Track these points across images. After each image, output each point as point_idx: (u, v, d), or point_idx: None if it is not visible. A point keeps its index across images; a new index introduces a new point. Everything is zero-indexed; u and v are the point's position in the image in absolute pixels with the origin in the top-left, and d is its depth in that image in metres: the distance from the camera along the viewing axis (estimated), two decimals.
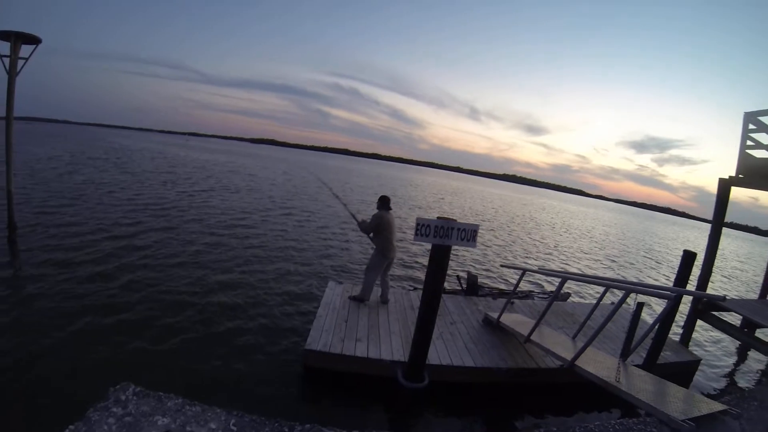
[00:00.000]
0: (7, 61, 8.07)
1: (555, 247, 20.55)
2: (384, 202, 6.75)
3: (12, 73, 8.09)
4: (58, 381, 4.46)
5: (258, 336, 6.13)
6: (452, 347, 5.70)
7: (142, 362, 5.04)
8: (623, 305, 4.19)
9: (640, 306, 4.80)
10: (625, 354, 4.59)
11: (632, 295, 4.16)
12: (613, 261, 19.54)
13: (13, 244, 8.49)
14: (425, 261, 11.87)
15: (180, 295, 7.10)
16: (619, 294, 4.17)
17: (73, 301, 6.36)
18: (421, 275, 10.28)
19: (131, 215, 12.62)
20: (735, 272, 23.86)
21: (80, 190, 15.79)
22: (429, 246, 4.62)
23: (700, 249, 6.92)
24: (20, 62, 8.28)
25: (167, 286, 7.42)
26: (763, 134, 7.00)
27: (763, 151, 7.13)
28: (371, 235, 6.79)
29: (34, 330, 5.42)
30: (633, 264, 19.69)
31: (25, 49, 8.36)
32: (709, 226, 7.49)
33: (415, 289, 8.60)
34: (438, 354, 5.39)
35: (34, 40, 8.35)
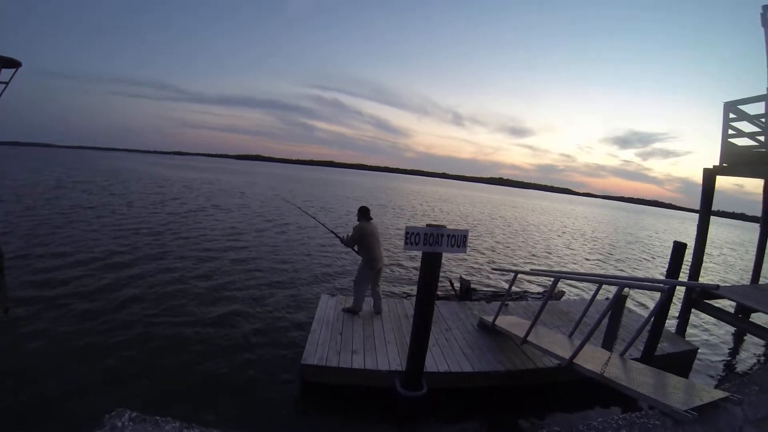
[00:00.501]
0: None
1: (547, 247, 20.62)
2: (364, 213, 6.71)
3: None
4: (52, 409, 4.35)
5: (254, 354, 6.02)
6: (449, 353, 5.65)
7: (138, 387, 4.92)
8: (617, 300, 4.17)
9: (623, 299, 4.78)
10: (621, 348, 4.56)
11: (626, 289, 4.14)
12: (608, 255, 19.73)
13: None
14: (413, 266, 11.94)
15: (173, 317, 6.96)
16: (613, 290, 4.16)
17: (64, 327, 6.21)
18: (413, 283, 10.25)
19: (121, 238, 12.45)
20: (727, 259, 24.10)
21: (68, 215, 15.51)
22: (419, 253, 4.59)
23: (689, 239, 6.95)
24: (0, 86, 8.15)
25: (159, 308, 7.27)
26: (744, 122, 7.11)
27: (745, 138, 7.24)
28: (356, 248, 6.74)
29: (26, 358, 5.29)
30: (628, 258, 19.90)
31: (5, 73, 8.22)
32: (695, 215, 7.54)
33: (408, 297, 8.56)
34: (435, 361, 5.33)
35: (13, 64, 8.22)
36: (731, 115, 7.12)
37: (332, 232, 7.59)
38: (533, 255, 17.60)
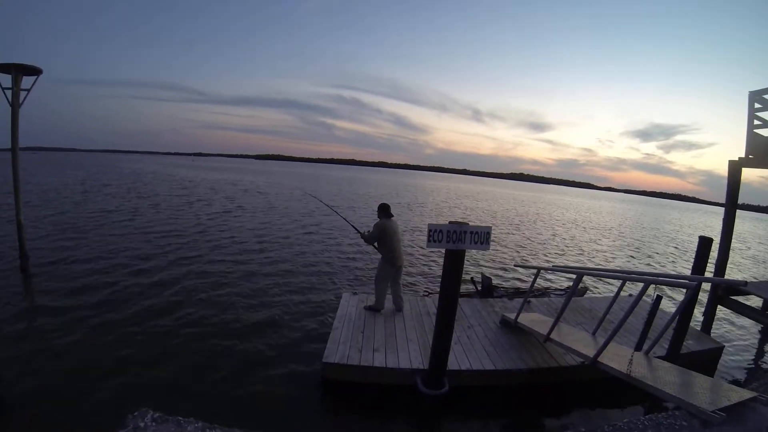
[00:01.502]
0: (9, 93, 8.16)
1: (572, 241, 20.48)
2: (384, 210, 6.72)
3: (15, 105, 8.19)
4: (75, 410, 4.45)
5: (276, 353, 6.10)
6: (470, 351, 5.63)
7: (161, 387, 5.02)
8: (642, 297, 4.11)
9: (659, 298, 4.71)
10: (646, 346, 4.50)
11: (651, 286, 4.08)
12: (636, 250, 19.56)
13: (27, 274, 8.58)
14: (433, 264, 11.93)
15: (195, 318, 7.09)
16: (636, 286, 4.10)
17: (88, 329, 6.36)
18: (434, 279, 10.23)
19: (150, 242, 12.67)
20: (754, 254, 23.59)
21: (97, 219, 15.78)
22: (441, 251, 4.57)
23: (714, 233, 6.81)
24: (22, 93, 8.37)
25: (182, 309, 7.40)
26: None
27: None
28: (376, 244, 6.76)
29: (50, 359, 5.43)
30: (657, 254, 19.64)
31: (26, 81, 8.45)
32: (719, 209, 7.38)
33: (429, 294, 8.56)
34: (457, 359, 5.32)
35: (34, 71, 8.44)
36: (757, 105, 6.90)
37: (354, 227, 7.62)
38: (559, 251, 17.49)
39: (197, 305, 7.62)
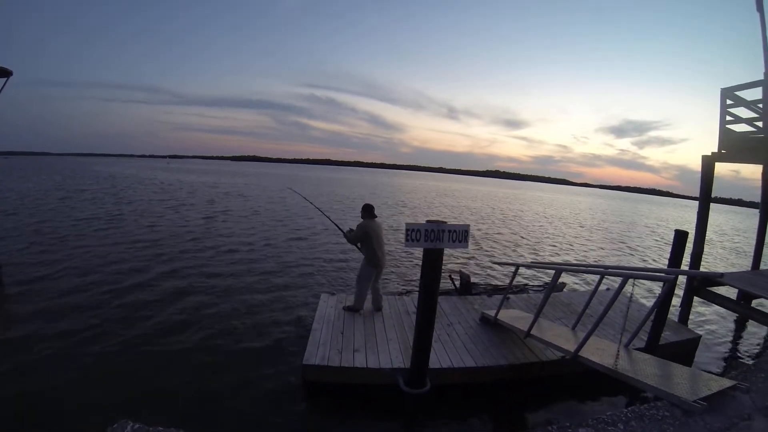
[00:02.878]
0: None
1: (554, 238, 20.68)
2: (368, 211, 6.66)
3: None
4: (54, 423, 4.29)
5: (255, 356, 5.98)
6: (451, 349, 5.61)
7: (140, 397, 4.83)
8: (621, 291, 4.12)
9: (631, 291, 4.75)
10: (625, 339, 4.52)
11: (630, 280, 4.10)
12: (621, 245, 19.86)
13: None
14: (411, 262, 11.91)
15: (172, 324, 6.89)
16: (614, 280, 4.12)
17: (62, 341, 6.10)
18: (412, 278, 10.21)
19: (116, 243, 12.44)
20: (725, 245, 24.12)
21: (77, 226, 15.25)
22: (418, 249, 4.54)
23: (686, 226, 6.93)
24: None
25: (159, 316, 7.20)
26: (742, 108, 7.10)
27: (743, 124, 7.22)
28: (359, 245, 6.70)
29: (27, 371, 5.23)
30: (640, 247, 20.00)
31: None
32: (693, 203, 7.55)
33: (408, 293, 8.53)
34: (438, 357, 5.28)
35: (4, 73, 8.16)
36: (728, 102, 7.11)
37: (337, 226, 7.52)
38: (541, 247, 17.66)
39: (173, 311, 7.42)
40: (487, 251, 15.48)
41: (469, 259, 13.61)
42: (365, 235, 6.51)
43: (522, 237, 20.09)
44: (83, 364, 5.47)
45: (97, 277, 9.04)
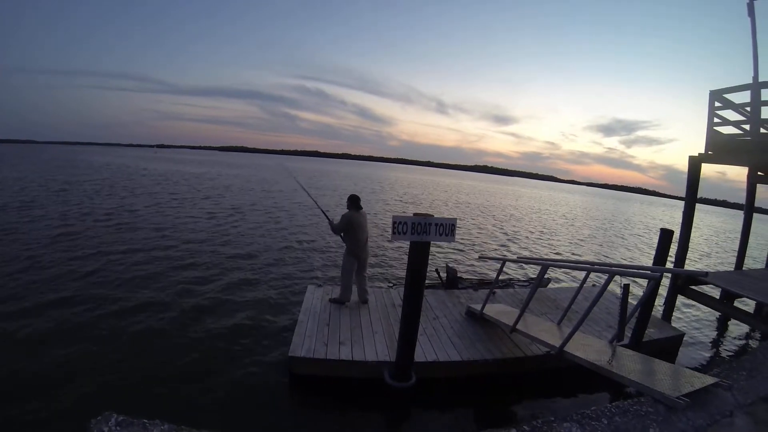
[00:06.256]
0: None
1: (541, 233, 20.80)
2: (354, 202, 6.64)
3: None
4: (36, 416, 4.19)
5: (241, 348, 5.93)
6: (437, 343, 5.61)
7: (124, 389, 4.76)
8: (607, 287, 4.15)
9: (626, 287, 4.78)
10: (610, 335, 4.56)
11: (616, 277, 4.13)
12: (611, 243, 20.02)
13: None
14: (398, 255, 11.90)
15: (156, 315, 6.80)
16: (599, 277, 4.13)
17: (47, 331, 6.01)
18: (399, 272, 10.21)
19: (120, 237, 12.26)
20: (711, 245, 24.43)
21: (66, 218, 14.73)
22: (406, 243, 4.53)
23: (669, 225, 7.00)
24: None
25: (140, 306, 7.11)
26: (729, 111, 7.19)
27: (730, 127, 7.30)
28: (342, 235, 6.69)
29: (6, 362, 5.11)
30: (631, 245, 20.19)
31: None
32: (679, 202, 7.65)
33: (395, 286, 8.49)
34: (423, 351, 5.28)
35: None
36: (717, 104, 7.20)
37: (324, 214, 7.44)
38: (531, 242, 17.71)
39: (158, 302, 7.35)
40: (475, 245, 15.52)
41: (458, 252, 13.65)
42: (348, 225, 6.50)
43: (506, 232, 20.14)
44: (61, 357, 5.36)
45: (76, 266, 8.94)
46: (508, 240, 18.05)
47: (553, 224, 26.55)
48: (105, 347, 5.68)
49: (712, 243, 26.17)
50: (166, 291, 7.87)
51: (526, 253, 15.51)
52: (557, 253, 16.25)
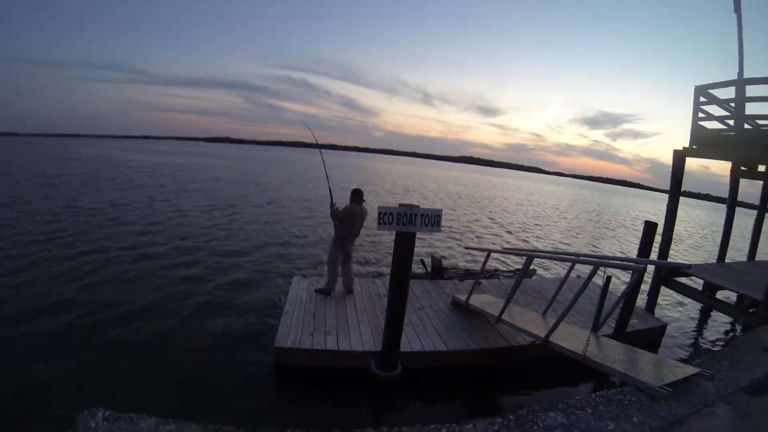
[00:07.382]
0: None
1: (524, 224, 20.83)
2: (357, 195, 6.59)
3: None
4: (21, 412, 4.11)
5: (227, 339, 5.90)
6: (422, 333, 5.62)
7: (110, 382, 4.68)
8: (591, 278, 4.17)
9: (608, 279, 4.82)
10: (596, 326, 4.59)
11: (600, 268, 4.15)
12: (599, 234, 20.16)
13: None
14: (384, 245, 11.88)
15: (142, 307, 6.72)
16: (584, 268, 4.16)
17: (31, 326, 5.84)
18: (385, 262, 10.19)
19: (109, 229, 12.13)
20: (695, 239, 24.72)
21: (60, 215, 14.00)
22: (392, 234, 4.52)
23: (653, 217, 7.06)
24: None
25: (126, 297, 7.02)
26: (714, 106, 7.24)
27: (715, 122, 7.37)
28: (336, 223, 6.65)
29: None
30: (612, 236, 20.39)
31: None
32: (662, 195, 7.71)
33: (380, 276, 8.48)
34: (409, 341, 5.29)
35: None
36: (702, 99, 7.26)
37: (330, 194, 7.15)
38: (520, 231, 17.77)
39: (143, 293, 7.26)
40: (464, 235, 15.54)
41: (445, 240, 13.66)
42: (347, 217, 6.46)
43: (502, 224, 20.20)
44: (46, 352, 5.26)
45: (65, 263, 8.79)
46: (497, 231, 18.10)
47: (544, 215, 26.73)
48: (90, 341, 5.59)
49: (696, 236, 26.48)
50: (151, 285, 7.74)
51: (513, 244, 15.58)
52: (545, 244, 16.36)
